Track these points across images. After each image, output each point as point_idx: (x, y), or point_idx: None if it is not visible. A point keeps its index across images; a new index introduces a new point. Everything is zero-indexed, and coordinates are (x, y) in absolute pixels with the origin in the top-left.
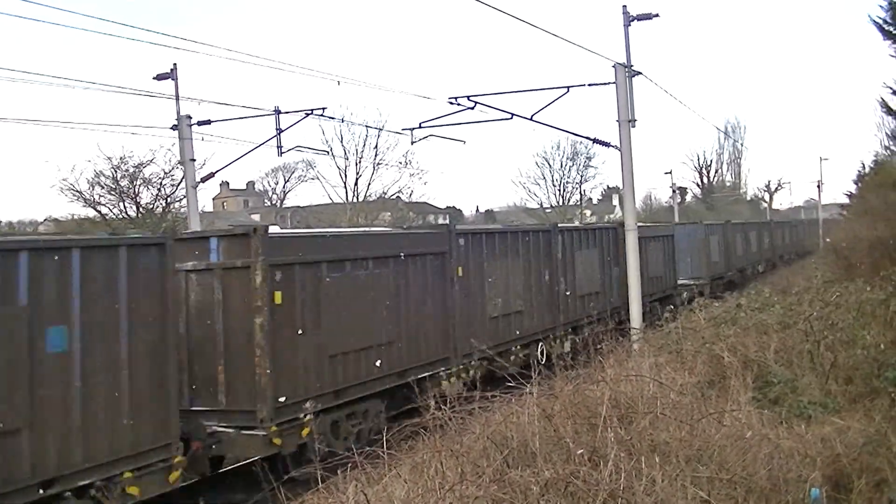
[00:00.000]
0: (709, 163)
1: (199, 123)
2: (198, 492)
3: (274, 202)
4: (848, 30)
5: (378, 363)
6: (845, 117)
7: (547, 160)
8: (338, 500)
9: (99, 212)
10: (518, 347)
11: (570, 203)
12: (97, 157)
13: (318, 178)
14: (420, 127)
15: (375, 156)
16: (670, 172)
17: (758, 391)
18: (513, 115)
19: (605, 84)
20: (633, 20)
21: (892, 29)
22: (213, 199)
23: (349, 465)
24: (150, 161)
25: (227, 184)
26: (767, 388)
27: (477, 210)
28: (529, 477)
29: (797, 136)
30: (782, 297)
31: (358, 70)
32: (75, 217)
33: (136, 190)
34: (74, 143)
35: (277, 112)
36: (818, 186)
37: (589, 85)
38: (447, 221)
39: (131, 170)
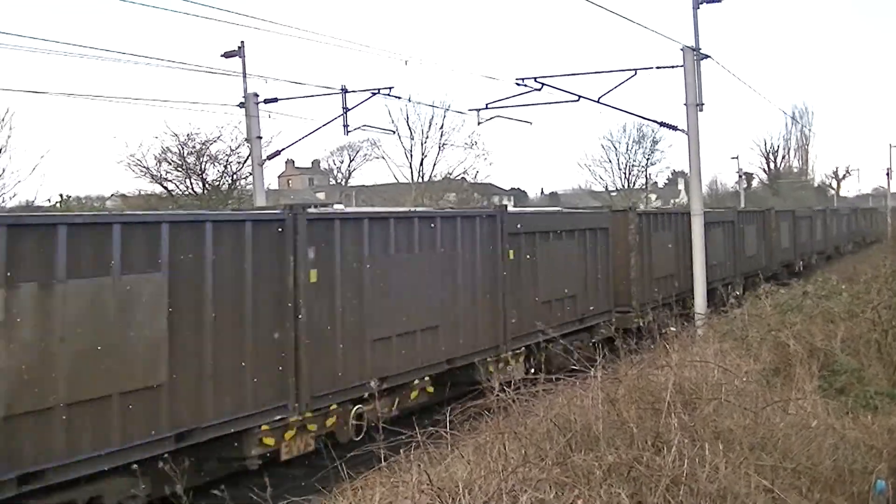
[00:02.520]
0: (776, 148)
1: (266, 101)
2: (262, 469)
3: (339, 181)
4: None
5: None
6: None
7: (613, 143)
8: (400, 479)
9: (165, 188)
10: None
11: (636, 186)
12: (164, 133)
13: (383, 158)
14: (486, 108)
15: (441, 136)
16: (737, 158)
17: (823, 380)
18: (580, 97)
19: (672, 67)
20: (702, 3)
21: None
22: (279, 176)
23: (412, 444)
24: (217, 138)
25: (293, 162)
26: (833, 377)
27: (542, 192)
28: (592, 461)
29: (867, 123)
30: (849, 285)
31: (425, 50)
32: (142, 193)
33: (203, 167)
34: (142, 119)
35: (344, 91)
36: (887, 174)
37: (657, 68)
38: (512, 203)
39: (198, 146)
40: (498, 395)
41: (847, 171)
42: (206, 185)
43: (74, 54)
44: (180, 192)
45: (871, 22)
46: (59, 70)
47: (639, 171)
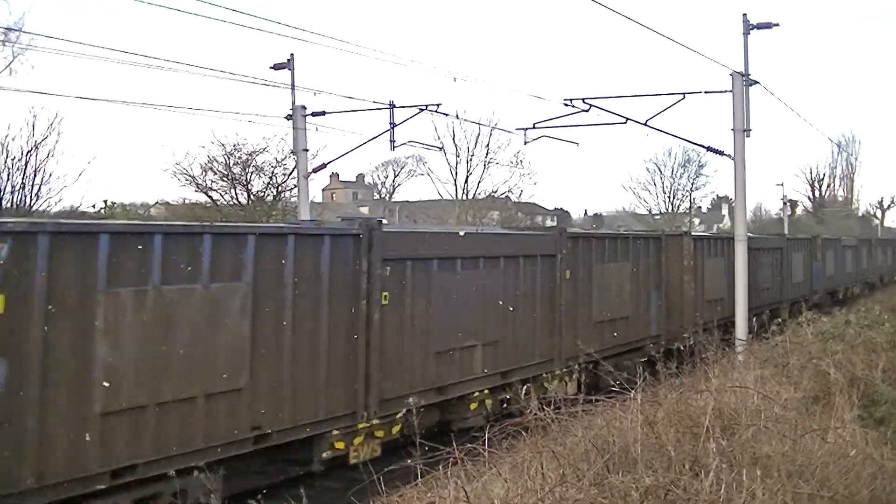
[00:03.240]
0: (821, 176)
1: (314, 114)
2: (300, 480)
3: (383, 195)
4: None
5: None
6: None
7: (658, 166)
8: (437, 494)
9: (210, 197)
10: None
11: (679, 210)
12: (211, 143)
13: (427, 174)
14: (534, 127)
15: (487, 154)
16: (782, 184)
17: (863, 410)
18: (627, 119)
19: (721, 92)
20: (752, 28)
21: None
22: (323, 189)
23: (450, 460)
24: (263, 149)
25: (337, 175)
26: (873, 407)
27: (585, 213)
28: (630, 483)
29: None
30: (892, 315)
31: (474, 67)
32: (187, 202)
33: (248, 177)
34: (189, 128)
35: (392, 106)
36: None
37: (705, 93)
38: (555, 223)
39: (244, 157)
40: (536, 415)
41: (893, 201)
42: (251, 196)
43: (125, 62)
44: (225, 202)
45: None
46: (108, 77)
47: (683, 195)
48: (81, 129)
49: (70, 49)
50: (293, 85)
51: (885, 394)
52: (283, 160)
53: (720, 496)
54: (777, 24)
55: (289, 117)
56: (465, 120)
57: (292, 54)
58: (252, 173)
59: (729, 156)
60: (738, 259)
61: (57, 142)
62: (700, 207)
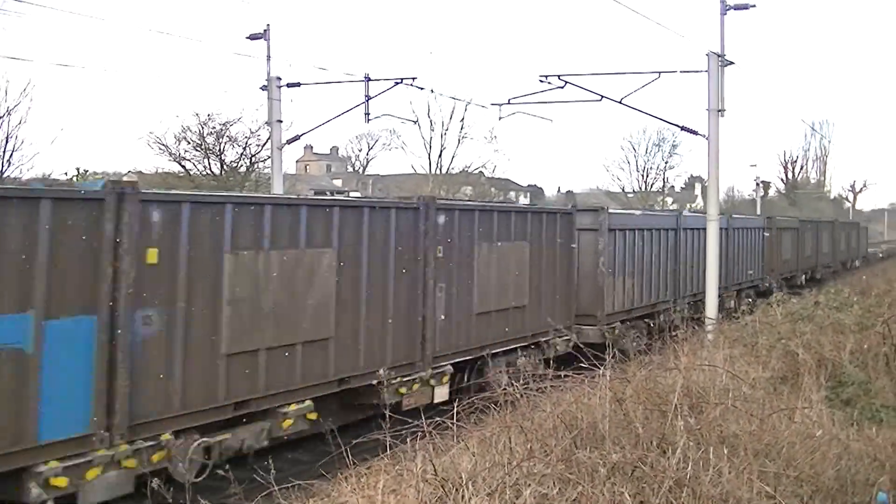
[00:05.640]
0: (794, 158)
1: (289, 85)
2: (269, 452)
3: (356, 168)
4: None
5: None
6: None
7: (633, 145)
8: (405, 468)
9: (184, 167)
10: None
11: (653, 189)
12: (185, 112)
13: (402, 148)
14: (509, 103)
15: (461, 129)
16: (755, 165)
17: (830, 391)
18: (602, 97)
19: (696, 72)
20: (729, 9)
21: None
22: (297, 161)
23: (418, 434)
24: (238, 120)
25: (311, 147)
26: (840, 388)
27: (558, 190)
28: (597, 459)
29: (886, 137)
30: (861, 297)
31: (450, 41)
32: (160, 171)
33: (222, 148)
34: (163, 97)
35: (367, 79)
36: None
37: (681, 72)
38: (528, 199)
39: (218, 127)
40: (505, 390)
41: (864, 185)
42: (225, 167)
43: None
44: (198, 172)
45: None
46: (80, 43)
47: (657, 173)
48: (53, 95)
49: (42, 14)
50: (269, 55)
51: (852, 375)
52: (256, 131)
53: (687, 473)
54: (754, 6)
55: (264, 88)
56: (441, 94)
57: (268, 24)
58: (226, 143)
59: (703, 136)
60: (710, 239)
61: (29, 108)
62: (673, 187)
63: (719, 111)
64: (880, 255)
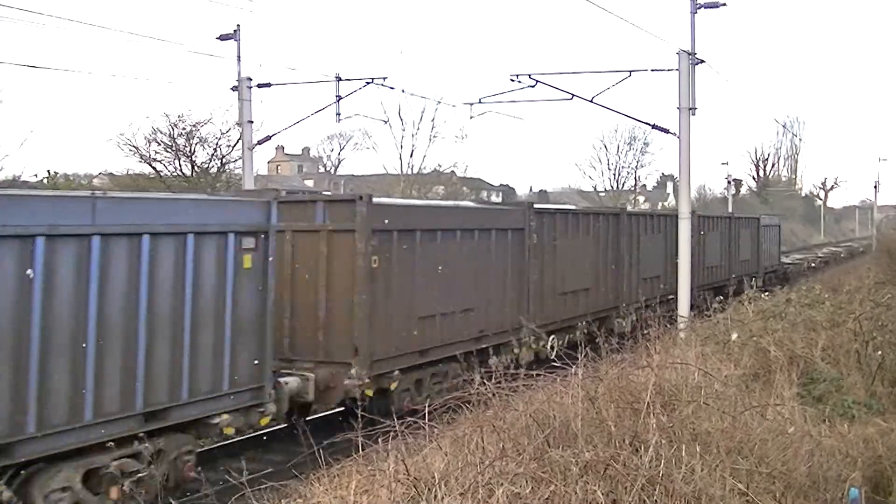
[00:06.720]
0: (766, 156)
1: (260, 86)
2: (242, 448)
3: (328, 169)
4: None
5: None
6: None
7: (604, 143)
8: (377, 468)
9: (154, 168)
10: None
11: (624, 188)
12: (155, 113)
13: (373, 148)
14: (480, 102)
15: (432, 128)
16: (727, 163)
17: (802, 388)
18: (573, 95)
19: (667, 70)
20: (700, 7)
21: None
22: (268, 162)
23: (390, 434)
24: (208, 121)
25: (283, 148)
26: (812, 385)
27: (531, 189)
28: (569, 457)
29: (857, 136)
30: (833, 294)
31: (421, 41)
32: (130, 172)
33: (192, 148)
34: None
35: (338, 79)
36: (875, 187)
37: (652, 70)
38: (500, 198)
39: (188, 128)
40: (478, 389)
41: (835, 183)
42: (195, 168)
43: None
44: (169, 174)
45: (867, 35)
46: (51, 44)
47: (628, 172)
48: (22, 97)
49: (8, 15)
50: (239, 56)
51: (823, 372)
52: (227, 132)
53: (659, 471)
54: (724, 4)
55: (235, 88)
56: (412, 94)
57: (239, 25)
58: (196, 144)
59: (674, 134)
60: (682, 237)
61: None
62: (645, 185)
63: (690, 109)
64: (842, 255)
